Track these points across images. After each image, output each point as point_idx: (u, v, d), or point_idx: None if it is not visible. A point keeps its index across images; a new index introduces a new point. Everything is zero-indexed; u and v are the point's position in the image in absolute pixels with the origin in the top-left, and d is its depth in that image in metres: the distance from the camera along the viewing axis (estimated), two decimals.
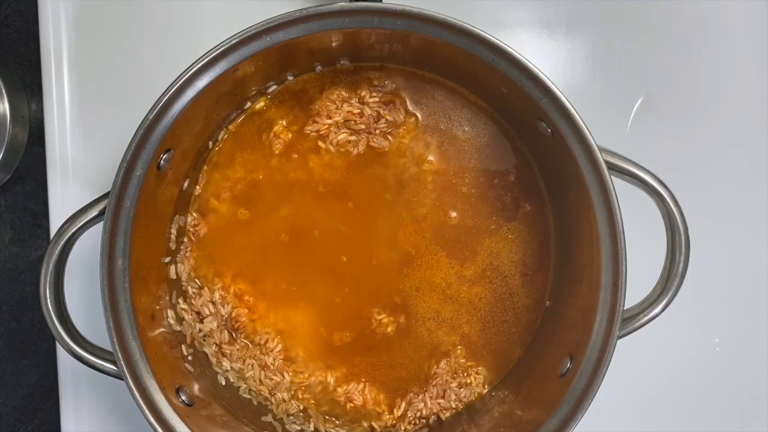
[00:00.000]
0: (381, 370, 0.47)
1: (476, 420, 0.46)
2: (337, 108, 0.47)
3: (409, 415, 0.47)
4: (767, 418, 0.52)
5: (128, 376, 0.39)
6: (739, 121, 0.52)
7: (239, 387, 0.47)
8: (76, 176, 0.51)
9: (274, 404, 0.47)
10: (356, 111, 0.47)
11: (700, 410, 0.52)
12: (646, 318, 0.41)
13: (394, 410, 0.47)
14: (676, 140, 0.52)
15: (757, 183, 0.52)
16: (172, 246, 0.46)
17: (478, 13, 0.51)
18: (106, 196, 0.39)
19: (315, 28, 0.39)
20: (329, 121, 0.47)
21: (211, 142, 0.47)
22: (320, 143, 0.47)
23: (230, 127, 0.47)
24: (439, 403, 0.47)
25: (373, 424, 0.47)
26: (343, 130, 0.47)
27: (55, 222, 0.51)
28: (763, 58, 0.52)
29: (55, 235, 0.40)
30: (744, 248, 0.52)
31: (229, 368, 0.47)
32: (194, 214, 0.47)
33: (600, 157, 0.38)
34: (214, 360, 0.47)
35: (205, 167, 0.47)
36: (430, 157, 0.47)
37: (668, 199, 0.40)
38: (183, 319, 0.46)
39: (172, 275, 0.46)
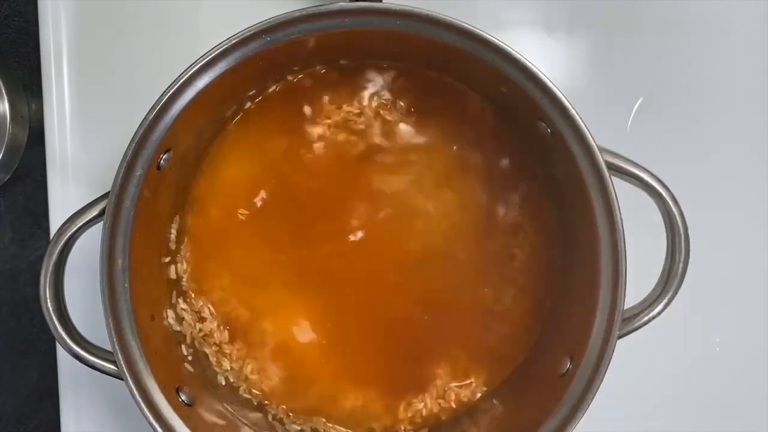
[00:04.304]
0: (381, 370, 0.47)
1: (476, 420, 0.46)
2: (336, 108, 0.47)
3: (409, 415, 0.47)
4: (767, 418, 0.52)
5: (128, 376, 0.39)
6: (740, 121, 0.52)
7: (239, 387, 0.47)
8: (76, 176, 0.51)
9: (274, 404, 0.47)
10: (356, 111, 0.47)
11: (700, 410, 0.52)
12: (646, 318, 0.41)
13: (394, 410, 0.47)
14: (676, 140, 0.52)
15: (758, 183, 0.52)
16: (172, 246, 0.46)
17: (478, 13, 0.51)
18: (106, 196, 0.39)
19: (315, 28, 0.39)
20: (329, 122, 0.47)
21: (211, 142, 0.47)
22: (320, 144, 0.47)
23: (230, 126, 0.47)
24: (439, 404, 0.47)
25: (373, 424, 0.47)
26: (342, 131, 0.47)
27: (55, 222, 0.51)
28: (763, 58, 0.52)
29: (54, 235, 0.40)
30: (744, 248, 0.52)
31: (229, 368, 0.47)
32: (194, 214, 0.47)
33: (600, 157, 0.38)
34: (214, 360, 0.47)
35: (205, 167, 0.47)
36: (431, 157, 0.47)
37: (668, 200, 0.40)
38: (183, 319, 0.46)
39: (172, 275, 0.46)
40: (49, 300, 0.40)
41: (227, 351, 0.47)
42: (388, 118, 0.47)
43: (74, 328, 0.41)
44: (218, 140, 0.47)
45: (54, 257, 0.40)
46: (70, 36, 0.51)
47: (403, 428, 0.47)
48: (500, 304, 0.47)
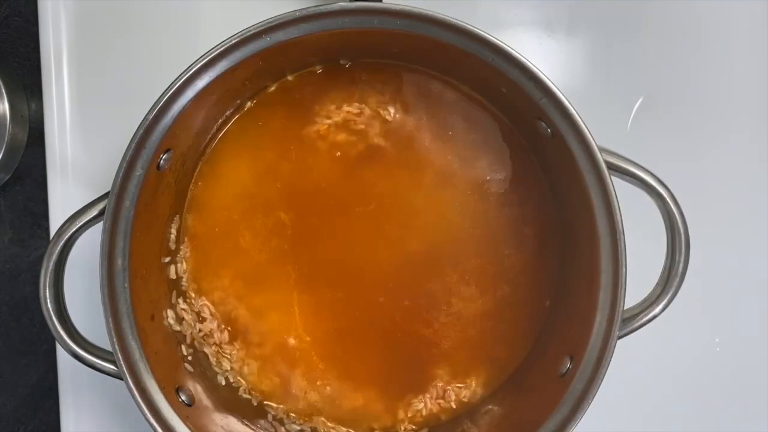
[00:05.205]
0: (381, 370, 0.47)
1: (476, 420, 0.46)
2: (336, 108, 0.47)
3: (409, 415, 0.47)
4: (767, 418, 0.52)
5: (128, 376, 0.39)
6: (740, 121, 0.52)
7: (239, 387, 0.47)
8: (76, 176, 0.51)
9: (274, 404, 0.47)
10: (356, 111, 0.47)
11: (700, 410, 0.52)
12: (646, 318, 0.41)
13: (394, 410, 0.47)
14: (676, 140, 0.52)
15: (758, 183, 0.52)
16: (172, 246, 0.46)
17: (478, 13, 0.51)
18: (106, 196, 0.39)
19: (315, 28, 0.39)
20: (329, 122, 0.47)
21: (210, 142, 0.47)
22: (319, 144, 0.47)
23: (230, 127, 0.47)
24: (439, 404, 0.47)
25: (373, 424, 0.47)
26: (342, 131, 0.47)
27: (55, 222, 0.51)
28: (763, 58, 0.52)
29: (54, 235, 0.40)
30: (744, 248, 0.52)
31: (228, 368, 0.47)
32: (194, 214, 0.47)
33: (600, 157, 0.38)
34: (213, 360, 0.47)
35: (205, 167, 0.47)
36: (431, 157, 0.47)
37: (668, 199, 0.40)
38: (183, 319, 0.46)
39: (172, 275, 0.46)
40: (49, 300, 0.40)
41: (227, 351, 0.47)
42: (388, 118, 0.47)
43: (74, 328, 0.41)
44: (218, 140, 0.47)
45: (54, 257, 0.40)
46: (70, 36, 0.51)
47: (403, 428, 0.47)
48: (500, 304, 0.47)
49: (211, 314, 0.47)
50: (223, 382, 0.47)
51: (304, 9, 0.38)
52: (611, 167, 0.39)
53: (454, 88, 0.46)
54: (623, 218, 0.39)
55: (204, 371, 0.47)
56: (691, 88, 0.52)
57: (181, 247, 0.47)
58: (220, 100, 0.43)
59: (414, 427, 0.47)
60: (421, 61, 0.45)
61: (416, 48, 0.42)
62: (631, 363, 0.48)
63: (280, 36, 0.39)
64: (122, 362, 0.39)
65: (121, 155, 0.39)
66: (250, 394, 0.47)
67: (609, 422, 0.50)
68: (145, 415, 0.40)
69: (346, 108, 0.47)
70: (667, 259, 0.41)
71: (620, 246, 0.39)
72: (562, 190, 0.45)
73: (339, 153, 0.47)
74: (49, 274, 0.40)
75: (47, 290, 0.40)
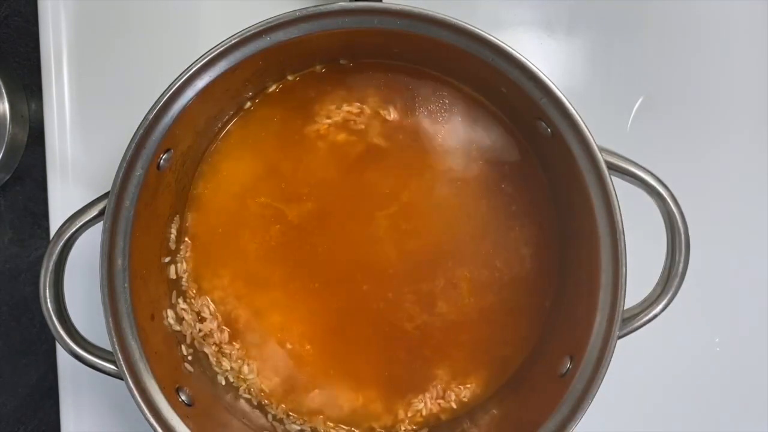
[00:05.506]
0: (381, 370, 0.47)
1: (476, 420, 0.46)
2: (336, 108, 0.47)
3: (409, 415, 0.47)
4: (767, 418, 0.52)
5: (128, 376, 0.39)
6: (740, 121, 0.52)
7: (239, 387, 0.47)
8: (76, 176, 0.51)
9: (274, 404, 0.47)
10: (356, 111, 0.47)
11: (700, 410, 0.52)
12: (646, 318, 0.41)
13: (394, 410, 0.47)
14: (676, 140, 0.52)
15: (758, 183, 0.52)
16: (172, 246, 0.46)
17: (478, 13, 0.51)
18: (106, 196, 0.39)
19: (315, 28, 0.39)
20: (329, 121, 0.47)
21: (210, 142, 0.47)
22: (319, 143, 0.47)
23: (230, 127, 0.47)
24: (439, 404, 0.47)
25: (373, 424, 0.47)
26: (342, 130, 0.47)
27: (55, 222, 0.51)
28: (763, 58, 0.52)
29: (54, 235, 0.40)
30: (744, 248, 0.52)
31: (229, 368, 0.47)
32: (194, 214, 0.47)
33: (600, 157, 0.38)
34: (214, 360, 0.47)
35: (205, 167, 0.47)
36: (431, 157, 0.47)
37: (668, 199, 0.40)
38: (183, 319, 0.46)
39: (172, 275, 0.46)
40: (49, 300, 0.40)
41: (227, 351, 0.47)
42: (388, 118, 0.47)
43: (74, 328, 0.41)
44: (218, 140, 0.47)
45: (54, 257, 0.40)
46: (70, 36, 0.51)
47: (403, 428, 0.47)
48: (500, 304, 0.47)
49: (211, 314, 0.47)
50: (223, 382, 0.47)
51: (304, 9, 0.38)
52: (611, 167, 0.39)
53: (454, 88, 0.46)
54: (623, 218, 0.39)
55: (204, 371, 0.47)
56: (691, 88, 0.52)
57: (181, 247, 0.47)
58: (220, 100, 0.43)
59: (414, 427, 0.48)
60: (421, 61, 0.45)
61: (416, 48, 0.42)
62: (631, 363, 0.48)
63: (280, 36, 0.39)
64: (122, 362, 0.39)
65: (121, 155, 0.39)
66: (250, 393, 0.47)
67: (609, 422, 0.50)
68: (145, 415, 0.40)
69: (346, 108, 0.47)
70: (667, 259, 0.41)
71: (620, 246, 0.39)
72: (562, 190, 0.45)
73: (339, 153, 0.47)
74: (49, 274, 0.40)
75: (47, 290, 0.40)
